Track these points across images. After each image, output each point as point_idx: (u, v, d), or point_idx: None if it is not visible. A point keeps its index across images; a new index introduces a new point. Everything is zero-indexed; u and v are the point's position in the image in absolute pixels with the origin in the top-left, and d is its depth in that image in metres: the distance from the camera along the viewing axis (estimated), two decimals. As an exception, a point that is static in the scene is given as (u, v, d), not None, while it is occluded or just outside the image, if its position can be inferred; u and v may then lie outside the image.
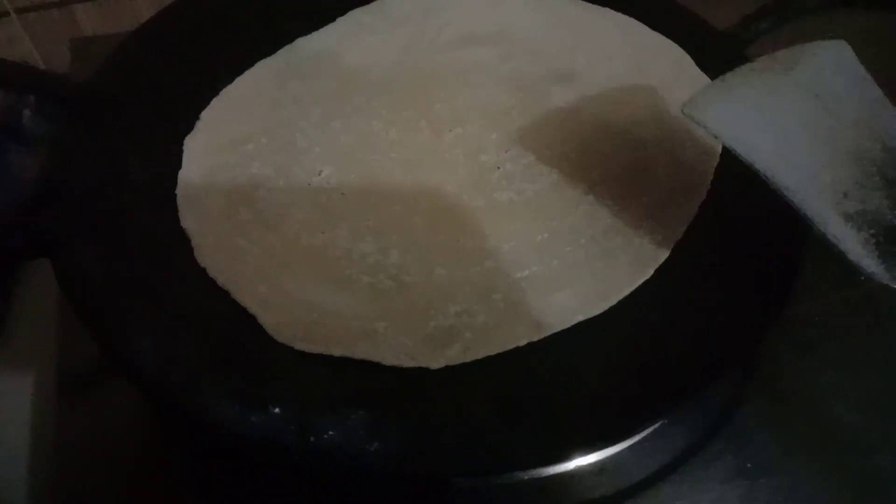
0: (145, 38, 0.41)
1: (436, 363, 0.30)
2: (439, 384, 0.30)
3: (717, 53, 0.42)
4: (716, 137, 0.32)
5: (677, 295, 0.33)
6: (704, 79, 0.41)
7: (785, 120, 0.32)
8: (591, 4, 0.46)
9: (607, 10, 0.45)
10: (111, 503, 0.31)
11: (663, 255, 0.34)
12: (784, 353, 0.38)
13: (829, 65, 0.34)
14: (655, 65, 0.43)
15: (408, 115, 0.41)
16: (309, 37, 0.44)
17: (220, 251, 0.33)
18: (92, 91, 0.38)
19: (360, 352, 0.30)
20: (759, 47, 0.42)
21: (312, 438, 0.28)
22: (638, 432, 0.32)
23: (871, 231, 0.31)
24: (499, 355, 0.31)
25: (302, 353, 0.30)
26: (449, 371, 0.30)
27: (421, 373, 0.30)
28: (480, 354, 0.31)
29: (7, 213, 0.43)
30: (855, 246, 0.30)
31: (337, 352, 0.30)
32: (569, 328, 0.32)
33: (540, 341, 0.31)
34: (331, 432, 0.28)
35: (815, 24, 0.41)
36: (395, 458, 0.28)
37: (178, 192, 0.36)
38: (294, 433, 0.28)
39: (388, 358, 0.30)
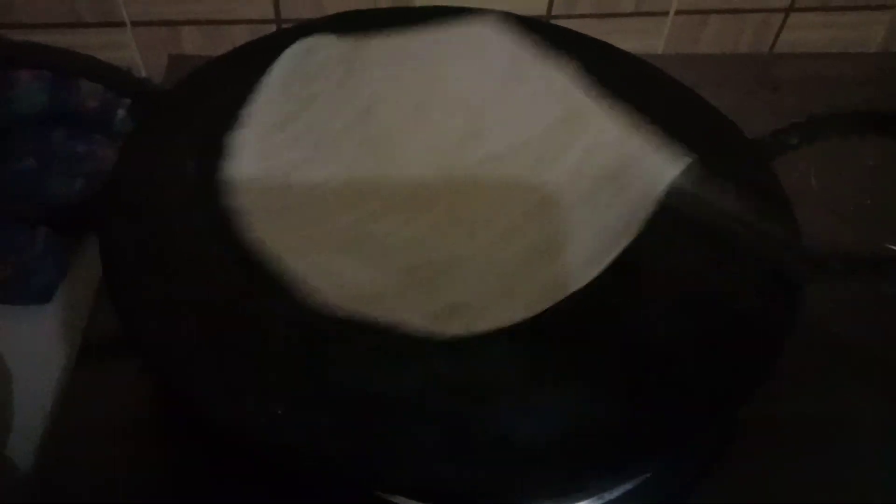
0: (224, 63, 0.46)
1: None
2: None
3: (741, 159, 0.44)
4: None
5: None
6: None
7: None
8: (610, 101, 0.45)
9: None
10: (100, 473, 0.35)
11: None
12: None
13: None
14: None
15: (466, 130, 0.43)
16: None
17: (260, 226, 0.36)
18: (164, 99, 0.43)
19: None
20: (785, 161, 0.44)
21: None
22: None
23: None
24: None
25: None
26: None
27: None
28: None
29: (85, 193, 0.49)
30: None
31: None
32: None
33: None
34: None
35: (842, 146, 0.42)
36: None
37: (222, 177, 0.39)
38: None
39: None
